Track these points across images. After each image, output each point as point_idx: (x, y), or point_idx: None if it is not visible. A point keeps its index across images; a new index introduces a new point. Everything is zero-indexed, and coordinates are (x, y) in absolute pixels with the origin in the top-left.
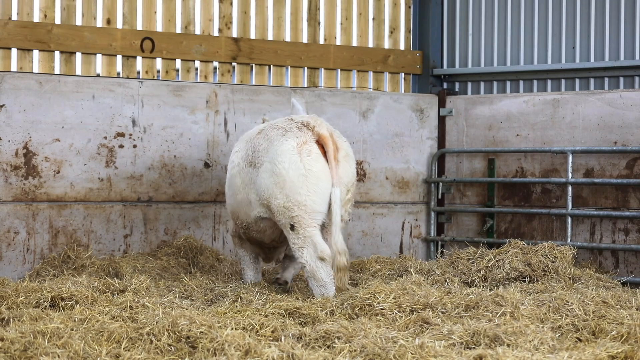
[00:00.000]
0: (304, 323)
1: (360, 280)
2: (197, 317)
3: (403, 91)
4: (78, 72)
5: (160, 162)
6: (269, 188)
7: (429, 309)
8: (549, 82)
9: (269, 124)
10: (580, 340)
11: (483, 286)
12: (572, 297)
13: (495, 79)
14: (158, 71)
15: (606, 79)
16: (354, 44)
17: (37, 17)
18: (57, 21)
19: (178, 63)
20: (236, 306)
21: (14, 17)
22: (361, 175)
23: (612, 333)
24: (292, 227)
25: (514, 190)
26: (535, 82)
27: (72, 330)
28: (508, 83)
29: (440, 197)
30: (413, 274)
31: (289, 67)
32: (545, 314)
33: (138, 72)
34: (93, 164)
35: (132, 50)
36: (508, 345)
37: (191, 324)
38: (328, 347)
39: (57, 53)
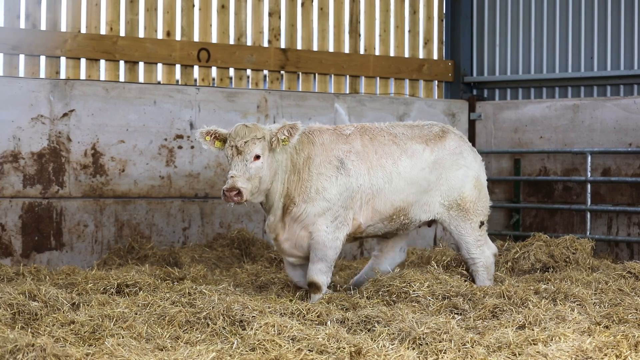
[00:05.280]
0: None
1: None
2: (249, 303)
3: (436, 97)
4: (141, 79)
5: (215, 162)
6: None
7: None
8: (569, 88)
9: None
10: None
11: (511, 276)
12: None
13: (521, 85)
14: (213, 79)
15: (621, 86)
16: (392, 54)
17: (103, 30)
18: (122, 34)
19: (231, 71)
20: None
21: (83, 30)
22: None
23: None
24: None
25: (538, 188)
26: (556, 88)
27: (136, 314)
28: (532, 89)
29: None
30: (434, 265)
31: (332, 75)
32: None
33: (195, 80)
34: (154, 163)
35: (189, 59)
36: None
37: (244, 309)
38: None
39: (121, 62)
